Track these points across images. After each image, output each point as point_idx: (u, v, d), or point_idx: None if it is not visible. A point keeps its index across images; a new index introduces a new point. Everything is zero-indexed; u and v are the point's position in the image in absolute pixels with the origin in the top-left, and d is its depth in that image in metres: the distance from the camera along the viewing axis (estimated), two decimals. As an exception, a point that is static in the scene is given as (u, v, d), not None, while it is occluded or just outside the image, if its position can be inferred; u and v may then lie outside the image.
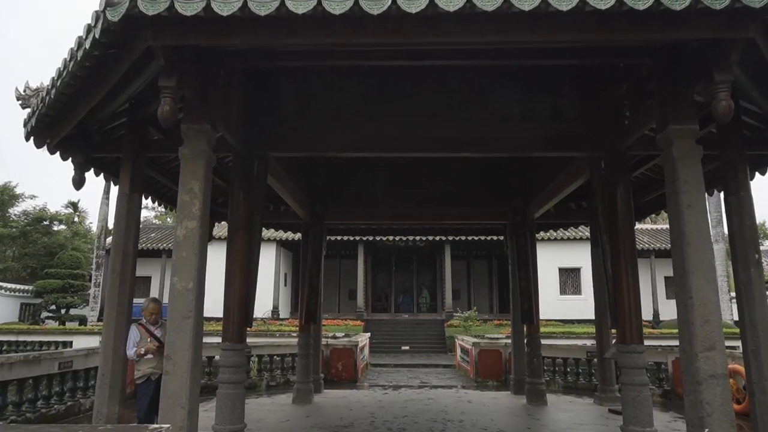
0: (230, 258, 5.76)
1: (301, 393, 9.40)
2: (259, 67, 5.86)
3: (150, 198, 7.80)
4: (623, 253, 5.62)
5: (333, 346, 13.41)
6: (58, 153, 5.94)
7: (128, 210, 5.69)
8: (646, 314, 27.62)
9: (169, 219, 45.38)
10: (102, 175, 6.44)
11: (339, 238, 26.13)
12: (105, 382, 5.32)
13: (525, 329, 10.25)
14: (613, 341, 9.63)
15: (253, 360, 12.06)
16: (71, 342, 18.53)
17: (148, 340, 5.60)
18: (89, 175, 6.26)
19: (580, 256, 25.57)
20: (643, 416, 5.25)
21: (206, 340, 8.34)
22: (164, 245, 28.87)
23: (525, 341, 10.28)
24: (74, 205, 34.47)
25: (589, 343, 17.96)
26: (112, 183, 6.81)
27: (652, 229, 31.99)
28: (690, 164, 4.41)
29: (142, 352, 5.45)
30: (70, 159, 6.05)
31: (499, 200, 10.11)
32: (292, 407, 8.99)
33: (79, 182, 6.06)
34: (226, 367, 5.48)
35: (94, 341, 18.27)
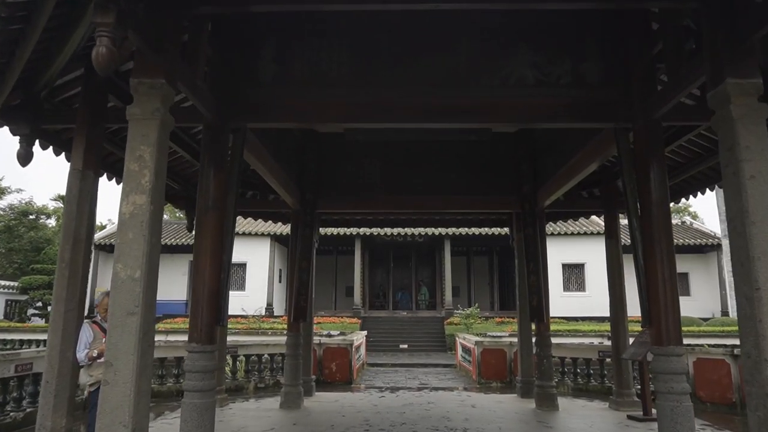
0: (199, 244, 4.94)
1: (289, 397, 8.59)
2: (231, 16, 5.04)
3: (114, 179, 6.95)
4: (658, 240, 4.81)
5: (326, 345, 12.60)
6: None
7: (81, 189, 4.87)
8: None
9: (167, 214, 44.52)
10: (52, 149, 5.59)
11: (335, 232, 25.43)
12: (50, 391, 4.52)
13: (533, 327, 9.43)
14: (631, 341, 8.87)
15: (240, 360, 11.25)
16: (53, 340, 17.63)
17: (103, 340, 4.78)
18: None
19: (584, 252, 24.86)
20: (684, 430, 4.44)
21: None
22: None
23: (533, 340, 9.47)
24: (63, 199, 33.54)
25: (596, 341, 17.23)
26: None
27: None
28: (752, 126, 3.61)
29: (95, 355, 4.63)
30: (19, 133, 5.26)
31: (505, 187, 9.29)
32: (278, 413, 8.17)
33: (25, 157, 5.24)
34: (193, 373, 4.65)
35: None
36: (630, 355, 8.17)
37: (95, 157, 5.04)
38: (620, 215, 9.44)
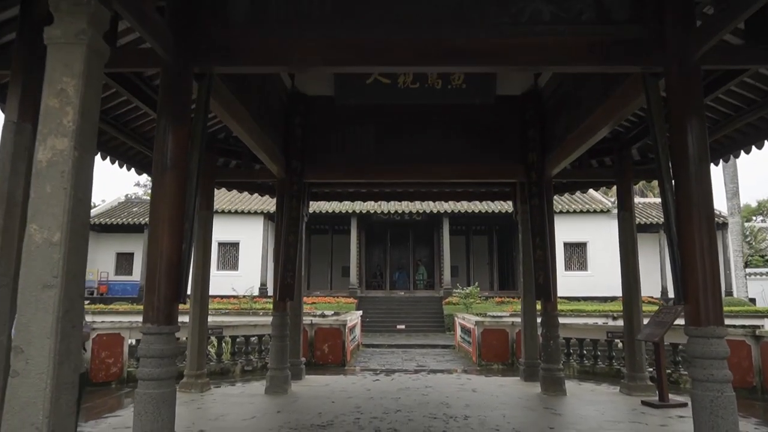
0: (155, 209, 4.21)
1: (275, 381, 7.94)
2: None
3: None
4: (696, 204, 4.08)
5: (318, 325, 11.94)
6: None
7: (16, 143, 4.10)
8: (654, 291, 26.37)
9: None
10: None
11: (330, 209, 24.73)
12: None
13: (539, 307, 8.76)
14: (645, 322, 8.21)
15: (226, 342, 10.60)
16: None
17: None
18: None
19: (586, 230, 24.20)
20: (726, 425, 3.77)
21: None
22: (147, 219, 27.35)
23: (539, 320, 8.81)
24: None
25: (600, 321, 16.66)
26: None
27: (659, 202, 30.51)
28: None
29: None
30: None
31: (510, 155, 8.54)
32: (263, 399, 7.53)
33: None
34: (148, 358, 3.95)
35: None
36: (645, 336, 7.51)
37: (34, 107, 4.26)
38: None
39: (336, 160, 8.64)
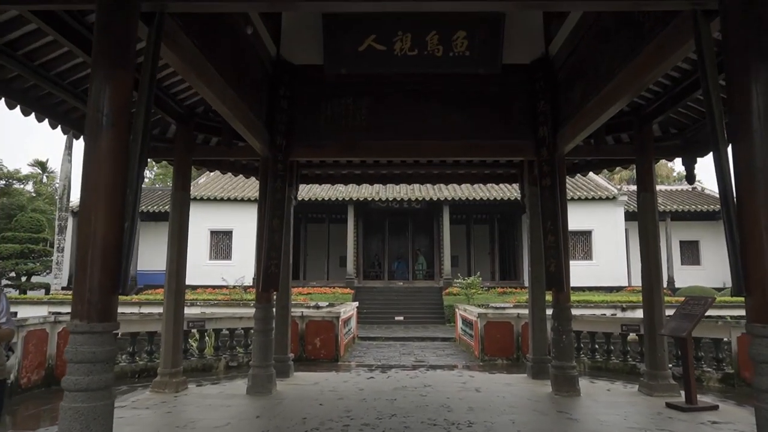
0: (87, 177, 3.38)
1: (257, 381, 7.17)
2: None
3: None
4: (763, 171, 3.26)
5: (310, 318, 11.16)
6: None
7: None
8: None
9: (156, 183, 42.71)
10: None
11: (326, 197, 23.91)
12: None
13: (550, 297, 7.98)
14: (668, 316, 7.42)
15: (210, 335, 9.83)
16: (15, 313, 16.29)
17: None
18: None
19: (591, 219, 23.43)
20: (803, 448, 2.98)
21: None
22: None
23: (549, 312, 8.04)
24: (42, 165, 31.76)
25: (608, 312, 15.90)
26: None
27: (666, 190, 29.76)
28: None
29: None
30: None
31: (518, 130, 7.70)
32: (243, 400, 6.76)
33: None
34: (75, 363, 3.15)
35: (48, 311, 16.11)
36: (670, 330, 6.72)
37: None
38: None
39: (325, 136, 7.80)
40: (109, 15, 3.48)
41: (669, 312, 7.33)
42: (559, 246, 7.22)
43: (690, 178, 8.02)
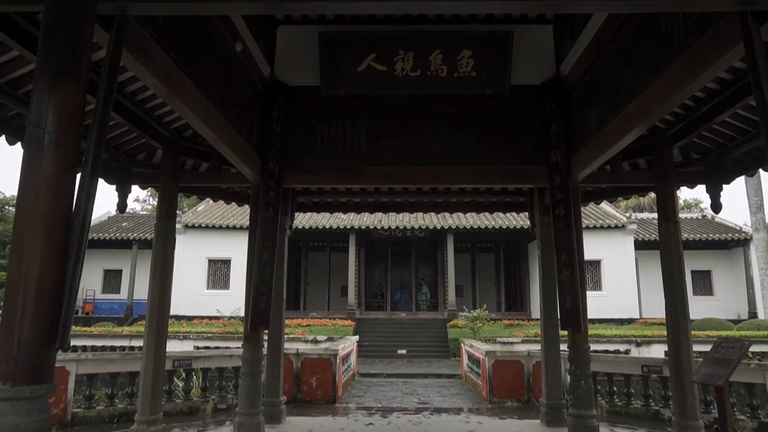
0: (22, 204, 2.83)
1: (243, 430, 6.48)
2: None
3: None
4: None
5: (306, 355, 10.45)
6: None
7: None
8: (671, 313, 24.78)
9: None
10: None
11: (327, 225, 23.35)
12: None
13: (565, 334, 7.30)
14: (700, 360, 6.74)
15: (197, 375, 9.14)
16: None
17: None
18: None
19: (600, 248, 22.73)
20: None
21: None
22: (136, 234, 26.13)
23: (564, 353, 7.36)
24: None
25: (623, 348, 15.09)
26: None
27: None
28: None
29: None
30: None
31: (528, 155, 7.18)
32: (226, 454, 6.07)
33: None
34: (-7, 439, 2.54)
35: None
36: (703, 377, 6.01)
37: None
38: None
39: (322, 161, 7.28)
40: (57, 16, 2.98)
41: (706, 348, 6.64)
42: (575, 281, 6.59)
43: (715, 206, 7.43)
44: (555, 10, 5.33)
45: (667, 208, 7.11)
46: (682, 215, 31.50)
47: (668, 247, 6.96)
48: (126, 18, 3.22)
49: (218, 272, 24.22)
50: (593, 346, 13.32)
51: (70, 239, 2.85)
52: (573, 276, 6.60)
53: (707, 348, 10.85)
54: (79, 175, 2.98)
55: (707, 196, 7.60)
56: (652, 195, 9.04)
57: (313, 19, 7.17)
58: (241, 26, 5.94)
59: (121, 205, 7.58)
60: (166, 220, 7.18)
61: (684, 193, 45.23)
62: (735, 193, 36.61)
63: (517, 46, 6.88)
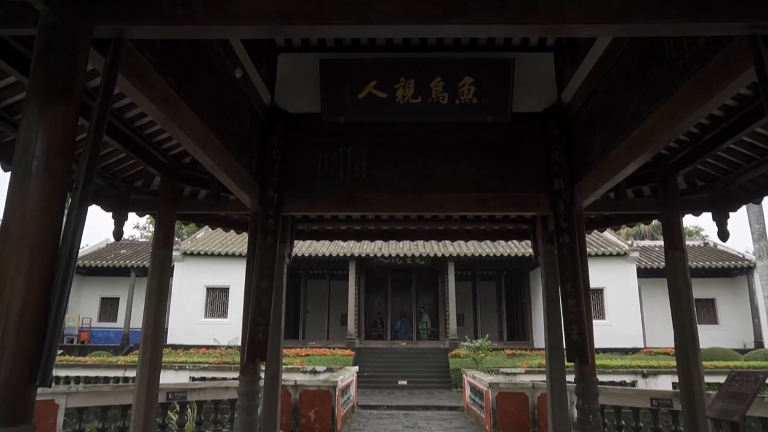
0: (5, 233, 2.70)
1: (238, 467, 6.22)
2: None
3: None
4: None
5: (304, 387, 10.18)
6: None
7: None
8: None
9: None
10: None
11: (327, 253, 23.18)
12: None
13: (569, 364, 7.09)
14: (710, 392, 6.53)
15: (192, 408, 8.86)
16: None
17: None
18: None
19: (603, 276, 22.47)
20: None
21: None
22: (134, 262, 25.94)
23: (571, 386, 7.13)
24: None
25: (628, 379, 14.76)
26: None
27: (677, 246, 28.89)
28: None
29: None
30: None
31: (531, 182, 7.07)
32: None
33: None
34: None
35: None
36: (717, 412, 5.79)
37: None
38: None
39: (322, 188, 7.18)
40: (51, 39, 2.90)
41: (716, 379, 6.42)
42: (581, 311, 6.41)
43: (722, 234, 7.31)
44: (556, 34, 5.25)
45: (674, 236, 6.98)
46: (687, 242, 31.38)
47: (676, 275, 6.80)
48: (122, 42, 3.15)
49: (216, 300, 23.94)
50: (600, 377, 13.05)
51: (56, 269, 2.72)
52: (579, 305, 6.43)
53: (715, 379, 10.61)
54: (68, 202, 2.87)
55: (708, 223, 7.55)
56: (654, 222, 8.98)
57: (314, 46, 7.19)
58: (242, 53, 5.92)
59: (118, 233, 7.44)
60: (162, 247, 7.04)
61: (684, 221, 45.18)
62: (736, 220, 36.55)
63: (519, 73, 6.86)
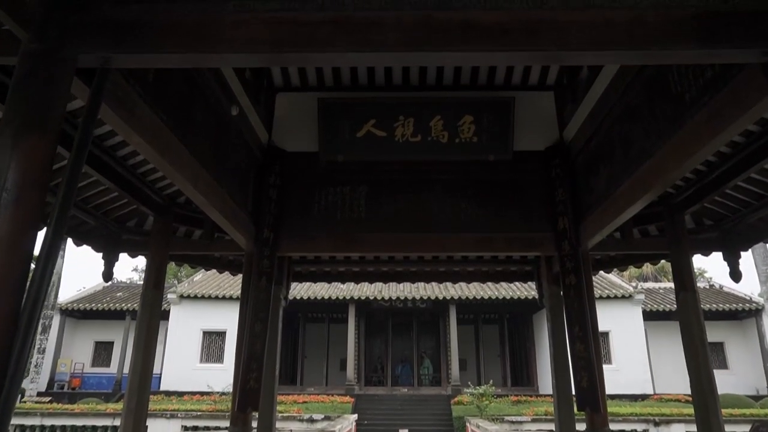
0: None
1: None
2: None
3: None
4: None
5: (299, 437, 9.68)
6: None
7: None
8: (686, 387, 23.64)
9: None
10: None
11: (326, 297, 22.76)
12: None
13: (579, 412, 6.70)
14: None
15: (180, 461, 8.37)
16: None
17: None
18: None
19: (608, 319, 21.93)
20: None
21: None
22: (130, 305, 25.49)
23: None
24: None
25: (640, 428, 14.14)
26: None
27: (682, 288, 28.43)
28: None
29: None
30: None
31: (534, 221, 6.88)
32: None
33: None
34: None
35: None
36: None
37: None
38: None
39: (320, 229, 6.98)
40: (31, 68, 2.77)
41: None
42: (591, 356, 6.10)
43: (735, 274, 7.05)
44: (559, 61, 5.15)
45: (684, 276, 6.72)
46: (699, 284, 30.90)
47: (688, 317, 6.51)
48: (108, 71, 3.01)
49: (213, 345, 23.36)
50: (610, 426, 12.49)
51: (21, 310, 2.48)
52: (588, 350, 6.12)
53: (733, 428, 10.06)
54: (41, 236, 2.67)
55: (711, 264, 7.33)
56: (659, 263, 8.73)
57: (312, 85, 7.17)
58: (239, 91, 5.85)
59: (107, 274, 7.20)
60: (153, 289, 6.78)
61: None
62: (745, 263, 36.15)
63: (519, 111, 6.79)
